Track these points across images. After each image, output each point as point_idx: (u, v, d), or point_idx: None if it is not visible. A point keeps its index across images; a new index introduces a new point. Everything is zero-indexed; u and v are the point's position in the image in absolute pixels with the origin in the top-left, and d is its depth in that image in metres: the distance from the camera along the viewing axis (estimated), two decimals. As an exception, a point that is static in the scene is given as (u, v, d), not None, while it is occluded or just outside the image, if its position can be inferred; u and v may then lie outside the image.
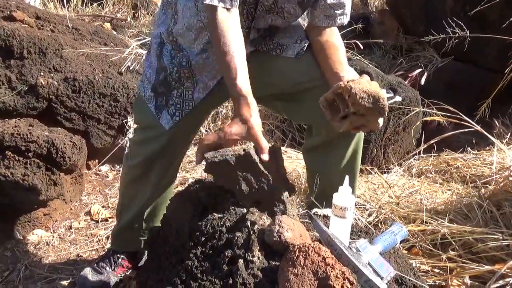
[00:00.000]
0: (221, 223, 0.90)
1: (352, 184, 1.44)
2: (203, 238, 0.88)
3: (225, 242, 0.86)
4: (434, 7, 3.42)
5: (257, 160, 0.95)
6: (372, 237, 1.17)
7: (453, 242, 1.50)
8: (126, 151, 1.48)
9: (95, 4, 4.48)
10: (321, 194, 1.36)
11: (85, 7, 4.43)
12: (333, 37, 1.30)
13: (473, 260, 1.42)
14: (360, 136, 1.36)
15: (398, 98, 1.09)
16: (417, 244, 1.57)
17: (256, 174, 0.96)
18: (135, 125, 1.48)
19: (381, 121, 1.05)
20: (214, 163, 0.95)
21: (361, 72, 1.12)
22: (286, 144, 2.65)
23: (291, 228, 0.84)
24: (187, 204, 1.08)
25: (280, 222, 0.84)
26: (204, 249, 0.86)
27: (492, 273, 1.32)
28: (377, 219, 1.78)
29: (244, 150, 0.96)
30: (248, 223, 0.86)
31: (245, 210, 0.94)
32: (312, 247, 0.78)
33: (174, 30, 1.28)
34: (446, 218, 1.65)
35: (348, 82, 1.01)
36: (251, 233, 0.84)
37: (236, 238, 0.84)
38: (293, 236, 0.84)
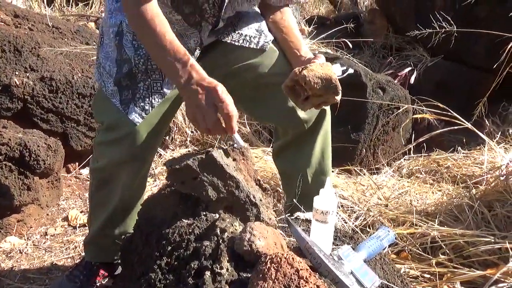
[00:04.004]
0: (190, 230, 0.82)
1: (324, 178, 1.42)
2: (169, 248, 0.80)
3: (192, 252, 0.78)
4: (424, 6, 3.38)
5: (222, 162, 0.88)
6: (357, 242, 1.10)
7: (443, 246, 1.44)
8: (92, 154, 1.38)
9: (81, 4, 4.37)
10: (299, 197, 1.32)
11: (71, 7, 4.32)
12: (286, 16, 1.35)
13: (464, 264, 1.36)
14: (327, 130, 1.41)
15: (351, 71, 1.24)
16: (406, 248, 1.50)
17: (223, 178, 0.88)
18: (98, 125, 1.37)
19: (338, 97, 1.15)
20: (176, 170, 0.87)
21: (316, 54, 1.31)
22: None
23: (264, 236, 0.76)
24: (157, 208, 1.01)
25: (252, 229, 0.76)
26: (169, 260, 0.78)
27: (484, 278, 1.26)
28: (365, 222, 1.71)
29: (207, 152, 0.88)
30: (218, 231, 0.79)
31: (217, 216, 0.87)
32: (285, 258, 0.70)
33: None
34: (437, 220, 1.59)
35: (302, 71, 1.11)
36: (220, 242, 0.76)
37: (204, 247, 0.76)
38: (266, 245, 0.76)
